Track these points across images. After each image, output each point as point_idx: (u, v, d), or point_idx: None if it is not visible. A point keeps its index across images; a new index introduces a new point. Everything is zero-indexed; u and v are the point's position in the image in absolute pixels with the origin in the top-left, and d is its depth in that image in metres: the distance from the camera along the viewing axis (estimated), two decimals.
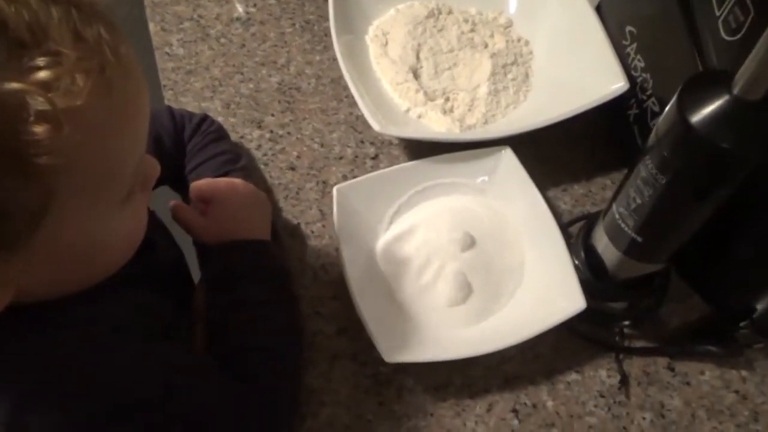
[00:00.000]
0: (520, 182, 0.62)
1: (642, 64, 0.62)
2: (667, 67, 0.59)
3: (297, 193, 0.67)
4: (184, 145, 0.62)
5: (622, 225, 0.49)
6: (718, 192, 0.42)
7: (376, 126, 0.61)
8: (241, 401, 0.47)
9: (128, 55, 0.35)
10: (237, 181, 0.58)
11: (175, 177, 0.62)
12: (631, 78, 0.63)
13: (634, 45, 0.63)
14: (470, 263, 0.59)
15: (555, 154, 0.71)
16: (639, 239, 0.48)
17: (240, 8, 0.81)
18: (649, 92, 0.61)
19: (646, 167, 0.43)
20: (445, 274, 0.59)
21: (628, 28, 0.64)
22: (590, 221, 0.57)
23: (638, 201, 0.45)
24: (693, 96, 0.39)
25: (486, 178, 0.64)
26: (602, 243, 0.53)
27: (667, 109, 0.41)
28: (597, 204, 0.68)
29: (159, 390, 0.42)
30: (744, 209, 0.49)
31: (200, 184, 0.56)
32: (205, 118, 0.65)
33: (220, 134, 0.65)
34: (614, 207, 0.50)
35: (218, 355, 0.49)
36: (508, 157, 0.64)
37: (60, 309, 0.40)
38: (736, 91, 0.37)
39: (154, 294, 0.48)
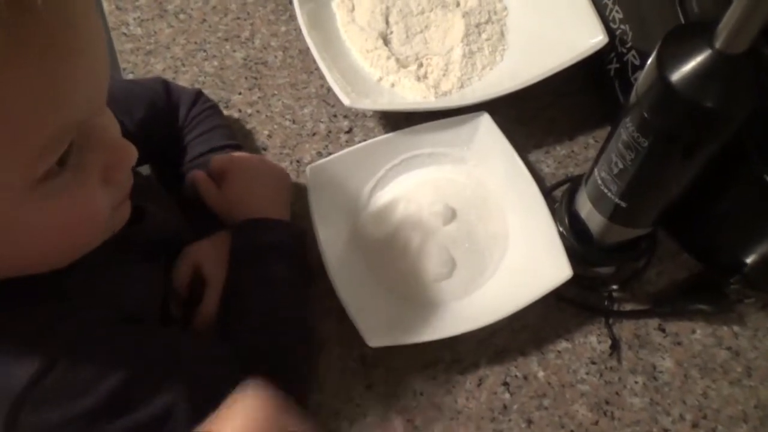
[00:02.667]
0: (500, 148, 0.60)
1: (620, 15, 0.59)
2: (647, 18, 0.56)
3: None
4: (177, 117, 0.60)
5: (605, 190, 0.47)
6: (703, 152, 0.39)
7: (346, 100, 0.58)
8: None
9: None
10: (256, 156, 0.58)
11: (163, 148, 0.60)
12: (609, 31, 0.61)
13: None
14: (453, 236, 0.57)
15: (535, 115, 0.68)
16: (623, 204, 0.46)
17: None
18: (628, 45, 0.58)
19: (626, 130, 0.41)
20: (427, 250, 0.57)
21: None
22: (573, 187, 0.55)
23: (620, 165, 0.43)
24: (672, 52, 0.37)
25: (465, 146, 0.62)
26: (586, 209, 0.51)
27: (645, 67, 0.39)
28: (580, 165, 0.66)
29: (159, 377, 0.41)
30: (729, 163, 0.47)
31: (220, 157, 0.56)
32: (200, 92, 0.63)
33: (217, 109, 0.64)
34: (596, 172, 0.48)
35: (231, 329, 0.49)
36: (485, 123, 0.61)
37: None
38: (717, 44, 0.35)
39: (141, 267, 0.46)
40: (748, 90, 0.36)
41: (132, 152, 0.39)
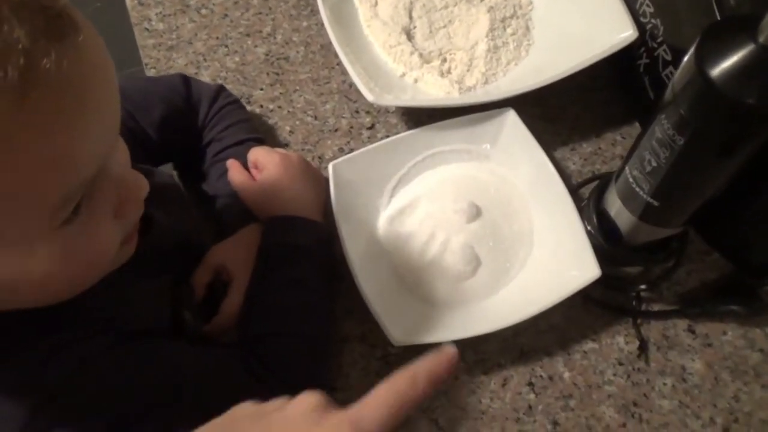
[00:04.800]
0: (526, 145, 0.59)
1: (651, 9, 0.57)
2: (679, 11, 0.54)
3: None
4: (198, 113, 0.59)
5: (637, 189, 0.45)
6: (742, 151, 0.38)
7: (369, 96, 0.57)
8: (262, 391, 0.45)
9: (57, 63, 0.28)
10: (293, 154, 0.57)
11: (185, 146, 0.60)
12: (639, 25, 0.59)
13: None
14: (477, 234, 0.57)
15: (561, 112, 0.67)
16: (655, 203, 0.45)
17: None
18: (659, 39, 0.57)
19: (661, 127, 0.40)
20: (451, 248, 0.56)
21: None
22: (602, 184, 0.54)
23: (654, 163, 0.42)
24: (712, 47, 0.36)
25: (489, 143, 0.61)
26: (615, 207, 0.50)
27: (683, 62, 0.38)
28: (607, 162, 0.64)
29: (168, 393, 0.41)
30: (764, 161, 0.46)
31: (257, 151, 0.56)
32: (222, 87, 0.62)
33: (239, 104, 0.63)
34: (627, 170, 0.46)
35: (252, 330, 0.49)
36: (511, 119, 0.60)
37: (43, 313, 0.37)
38: (761, 39, 0.34)
39: (147, 279, 0.45)
40: None
41: (143, 185, 0.38)
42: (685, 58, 0.37)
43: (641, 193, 0.45)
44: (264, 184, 0.55)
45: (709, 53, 0.35)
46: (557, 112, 0.67)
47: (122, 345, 0.41)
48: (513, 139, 0.60)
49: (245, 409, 0.30)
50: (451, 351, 0.30)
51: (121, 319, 0.42)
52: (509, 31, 0.68)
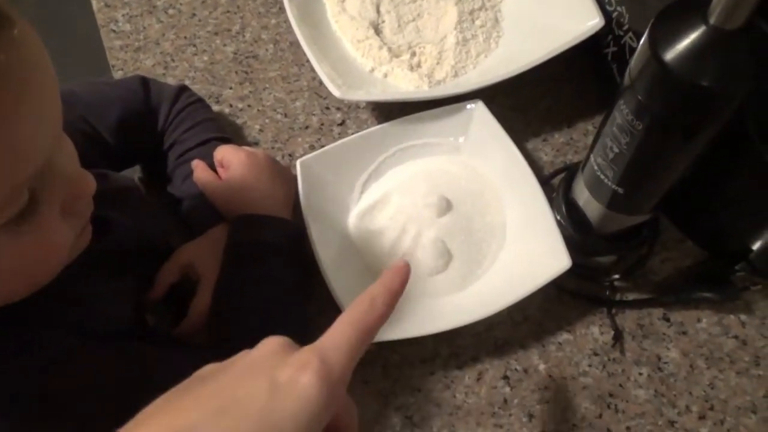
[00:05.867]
0: (496, 137, 0.59)
1: None
2: None
3: None
4: (158, 116, 0.58)
5: (602, 176, 0.45)
6: (701, 135, 0.38)
7: (336, 92, 0.57)
8: None
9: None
10: (260, 152, 0.57)
11: (147, 149, 0.59)
12: (606, 13, 0.59)
13: None
14: (448, 228, 0.56)
15: (532, 103, 0.67)
16: (620, 191, 0.45)
17: None
18: (625, 27, 0.56)
19: (621, 113, 0.40)
20: (422, 243, 0.55)
21: None
22: (569, 174, 0.53)
23: (615, 150, 0.42)
24: (666, 30, 0.35)
25: (460, 136, 0.61)
26: (583, 197, 0.50)
27: (638, 46, 0.37)
28: (579, 152, 0.64)
29: (136, 395, 0.40)
30: (730, 146, 0.45)
31: (223, 149, 0.56)
32: (184, 87, 0.61)
33: (203, 103, 0.62)
34: (592, 158, 0.46)
35: (222, 330, 0.48)
36: (480, 111, 0.60)
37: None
38: (712, 20, 0.33)
39: (116, 281, 0.45)
40: (745, 67, 0.34)
41: (90, 183, 0.37)
42: (641, 42, 0.37)
43: (606, 180, 0.45)
44: (230, 183, 0.54)
45: (662, 36, 0.35)
46: (529, 104, 0.66)
47: (89, 346, 0.40)
48: (483, 131, 0.59)
49: (208, 367, 0.29)
50: (401, 263, 0.30)
51: (87, 320, 0.42)
52: (478, 23, 0.67)
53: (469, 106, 0.60)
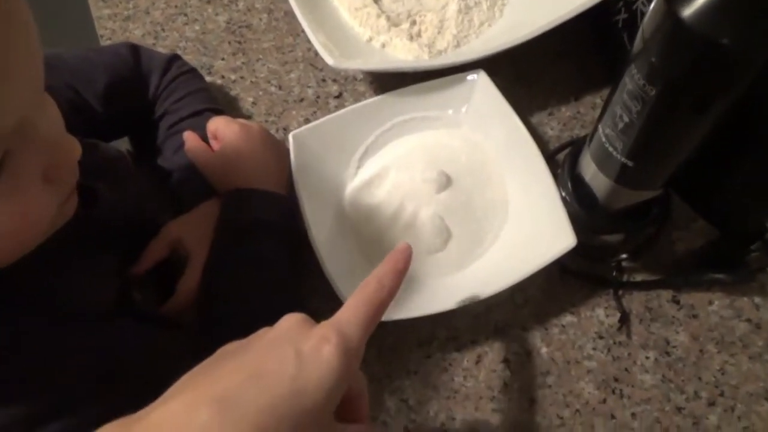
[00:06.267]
0: (498, 110, 0.56)
1: None
2: None
3: None
4: (149, 84, 0.56)
5: (610, 149, 0.42)
6: (718, 102, 0.35)
7: (330, 60, 0.54)
8: None
9: None
10: (254, 124, 0.54)
11: (137, 119, 0.56)
12: None
13: None
14: (447, 204, 0.53)
15: (538, 74, 0.64)
16: (630, 164, 0.42)
17: None
18: None
19: (632, 78, 0.37)
20: (420, 219, 0.53)
21: None
22: (575, 148, 0.50)
23: (626, 119, 0.39)
24: None
25: (460, 108, 0.58)
26: (590, 171, 0.47)
27: (653, 4, 0.34)
28: (586, 126, 0.61)
29: (111, 377, 0.38)
30: (749, 117, 0.42)
31: (217, 120, 0.53)
32: (176, 56, 0.59)
33: (196, 73, 0.60)
34: (600, 129, 0.43)
35: (211, 310, 0.47)
36: (482, 81, 0.57)
37: None
38: None
39: (99, 257, 0.43)
40: None
41: (74, 149, 0.35)
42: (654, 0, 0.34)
43: (615, 153, 0.42)
44: (223, 155, 0.51)
45: None
46: (534, 75, 0.63)
47: (62, 325, 0.38)
48: (485, 103, 0.57)
49: (231, 345, 0.31)
50: (403, 245, 0.34)
51: (63, 297, 0.39)
52: None
53: (470, 77, 0.57)
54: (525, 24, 0.60)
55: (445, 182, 0.54)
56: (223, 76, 0.64)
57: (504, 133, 0.55)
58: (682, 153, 0.40)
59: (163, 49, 0.66)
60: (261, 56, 0.65)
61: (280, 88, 0.64)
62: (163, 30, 0.67)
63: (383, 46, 0.62)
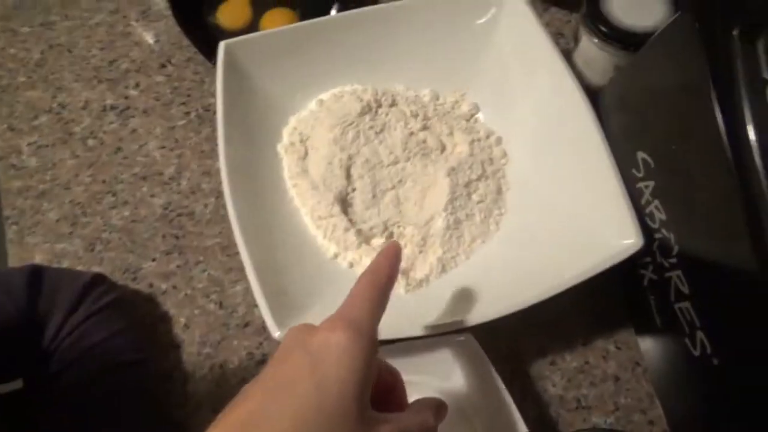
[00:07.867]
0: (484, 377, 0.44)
1: (663, 216, 0.42)
2: (697, 226, 0.39)
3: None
4: (43, 329, 0.43)
5: None
6: None
7: (274, 332, 0.41)
8: None
9: None
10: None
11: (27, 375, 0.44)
12: (647, 229, 0.44)
13: (651, 184, 0.43)
14: None
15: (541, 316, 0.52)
16: None
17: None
18: (672, 260, 0.42)
19: None
20: None
21: (641, 155, 0.44)
22: None
23: None
24: None
25: (445, 375, 0.46)
26: None
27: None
28: (596, 384, 0.49)
29: None
30: None
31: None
32: (97, 279, 0.47)
33: (119, 305, 0.47)
34: None
35: None
36: (470, 347, 0.45)
37: None
38: None
39: None
40: None
41: None
42: None
43: None
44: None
45: None
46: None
47: None
48: (470, 371, 0.45)
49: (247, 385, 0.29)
50: (393, 243, 0.34)
51: None
52: (475, 197, 0.52)
53: (456, 341, 0.45)
54: (524, 237, 0.49)
55: None
56: (151, 284, 0.52)
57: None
58: None
59: (80, 240, 0.53)
60: (202, 258, 0.53)
61: (220, 306, 0.51)
62: (84, 213, 0.55)
63: (351, 266, 0.50)
